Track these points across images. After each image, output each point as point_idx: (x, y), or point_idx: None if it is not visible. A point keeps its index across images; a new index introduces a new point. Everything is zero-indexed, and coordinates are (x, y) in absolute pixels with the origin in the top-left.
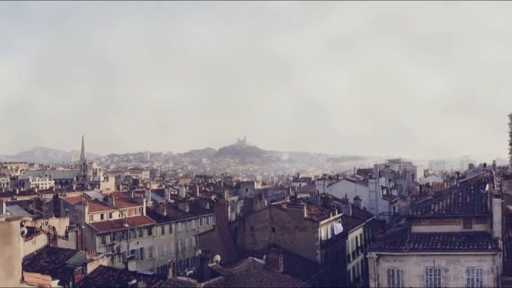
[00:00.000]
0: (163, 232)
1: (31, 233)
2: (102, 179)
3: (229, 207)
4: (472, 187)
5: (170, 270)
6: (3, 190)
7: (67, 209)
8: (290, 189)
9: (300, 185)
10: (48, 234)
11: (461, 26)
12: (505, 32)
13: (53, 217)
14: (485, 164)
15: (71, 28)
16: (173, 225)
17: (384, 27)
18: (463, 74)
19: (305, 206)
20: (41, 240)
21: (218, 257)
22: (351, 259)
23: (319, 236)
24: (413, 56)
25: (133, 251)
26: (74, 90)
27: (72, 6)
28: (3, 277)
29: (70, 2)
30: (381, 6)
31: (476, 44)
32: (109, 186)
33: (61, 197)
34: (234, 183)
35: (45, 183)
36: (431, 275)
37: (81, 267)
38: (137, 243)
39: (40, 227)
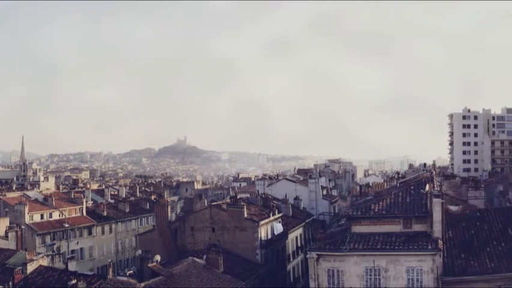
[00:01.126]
0: (103, 232)
1: None
2: (42, 179)
3: (169, 207)
4: (412, 187)
5: (111, 270)
6: None
7: (7, 209)
8: (230, 189)
9: (240, 185)
10: None
11: (398, 26)
12: (442, 32)
13: None
14: (425, 164)
15: (9, 28)
16: (113, 225)
17: (322, 27)
18: (403, 73)
19: (245, 206)
20: None
21: (158, 257)
22: (292, 259)
23: (259, 236)
24: (352, 55)
25: (73, 251)
26: (13, 90)
27: (10, 6)
28: None
29: (8, 2)
30: (319, 6)
31: (414, 43)
32: (49, 186)
33: (1, 197)
34: (174, 183)
35: None
36: (371, 275)
37: (21, 268)
38: (78, 243)
39: None
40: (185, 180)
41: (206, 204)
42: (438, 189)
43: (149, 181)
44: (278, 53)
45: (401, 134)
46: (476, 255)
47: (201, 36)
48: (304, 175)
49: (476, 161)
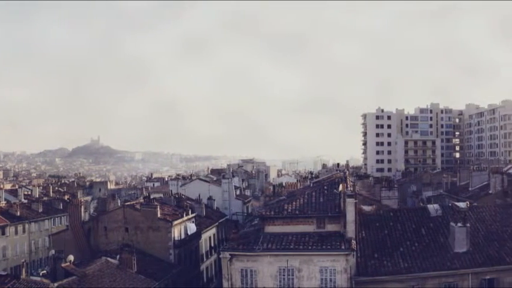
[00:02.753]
0: (16, 232)
1: None
2: None
3: (82, 207)
4: (325, 187)
5: (24, 270)
6: None
7: None
8: (143, 189)
9: (153, 185)
10: None
11: (314, 26)
12: (357, 32)
13: None
14: (338, 164)
15: None
16: (26, 225)
17: (239, 27)
18: (318, 73)
19: (158, 206)
20: None
21: (71, 257)
22: (205, 259)
23: (172, 236)
24: (268, 55)
25: None
26: None
27: None
28: None
29: None
30: (235, 6)
31: (330, 43)
32: None
33: None
34: (88, 183)
35: None
36: (284, 275)
37: None
38: None
39: None
40: (98, 180)
41: (119, 204)
42: (351, 189)
43: (63, 181)
44: (194, 53)
45: (315, 134)
46: (390, 255)
47: (116, 36)
48: (218, 175)
49: (389, 161)
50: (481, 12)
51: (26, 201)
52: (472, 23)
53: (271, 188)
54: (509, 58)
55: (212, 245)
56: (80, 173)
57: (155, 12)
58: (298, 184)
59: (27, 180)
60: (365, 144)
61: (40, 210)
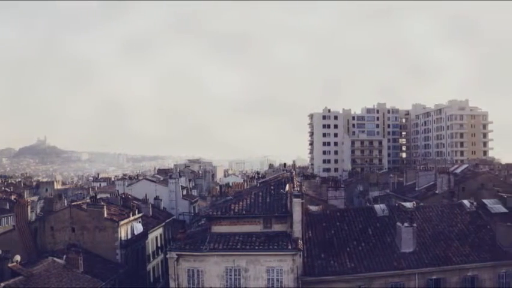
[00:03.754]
0: None
1: None
2: None
3: (29, 207)
4: (272, 187)
5: None
6: None
7: None
8: (90, 189)
9: (100, 185)
10: None
11: (259, 26)
12: (302, 32)
13: None
14: (285, 164)
15: None
16: None
17: (183, 27)
18: (265, 73)
19: (105, 206)
20: None
21: (18, 257)
22: (152, 259)
23: (119, 236)
24: (214, 55)
25: None
26: None
27: None
28: None
29: None
30: (179, 6)
31: (276, 43)
32: None
33: None
34: (34, 183)
35: None
36: (231, 275)
37: None
38: None
39: None
40: (45, 180)
41: (66, 204)
42: (298, 189)
43: (9, 181)
44: (139, 53)
45: (261, 134)
46: (336, 255)
47: (60, 36)
48: (165, 175)
49: (336, 161)
50: (427, 12)
51: None
52: (418, 23)
53: (218, 188)
54: (455, 58)
55: (159, 245)
56: (26, 173)
57: (100, 12)
58: (245, 184)
59: None
60: (311, 144)
61: None
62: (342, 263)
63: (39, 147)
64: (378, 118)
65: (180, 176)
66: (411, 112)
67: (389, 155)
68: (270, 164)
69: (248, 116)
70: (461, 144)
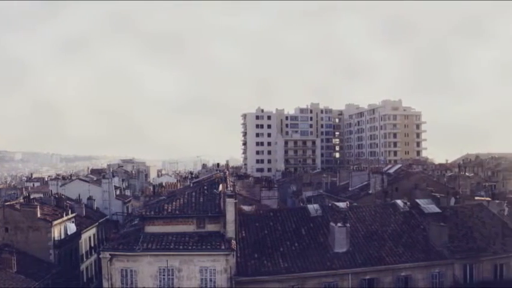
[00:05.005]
0: None
1: None
2: None
3: None
4: (205, 187)
5: None
6: None
7: None
8: (23, 189)
9: (33, 185)
10: None
11: (194, 26)
12: (237, 32)
13: None
14: (218, 164)
15: None
16: None
17: (118, 26)
18: (199, 73)
19: (38, 206)
20: None
21: None
22: (85, 259)
23: (52, 236)
24: (148, 55)
25: None
26: None
27: None
28: None
29: None
30: (114, 6)
31: (210, 43)
32: None
33: None
34: None
35: None
36: (164, 275)
37: None
38: None
39: None
40: None
41: None
42: (231, 189)
43: None
44: (73, 52)
45: (195, 134)
46: (270, 255)
47: None
48: (98, 175)
49: (269, 161)
50: (362, 12)
51: None
52: (352, 23)
53: (151, 188)
54: (389, 58)
55: (92, 245)
56: None
57: (31, 13)
58: (179, 184)
59: None
60: (245, 144)
61: None
62: (276, 263)
63: None
64: (311, 118)
65: (113, 176)
66: (344, 112)
67: (322, 155)
68: (204, 164)
69: (182, 116)
70: (395, 144)
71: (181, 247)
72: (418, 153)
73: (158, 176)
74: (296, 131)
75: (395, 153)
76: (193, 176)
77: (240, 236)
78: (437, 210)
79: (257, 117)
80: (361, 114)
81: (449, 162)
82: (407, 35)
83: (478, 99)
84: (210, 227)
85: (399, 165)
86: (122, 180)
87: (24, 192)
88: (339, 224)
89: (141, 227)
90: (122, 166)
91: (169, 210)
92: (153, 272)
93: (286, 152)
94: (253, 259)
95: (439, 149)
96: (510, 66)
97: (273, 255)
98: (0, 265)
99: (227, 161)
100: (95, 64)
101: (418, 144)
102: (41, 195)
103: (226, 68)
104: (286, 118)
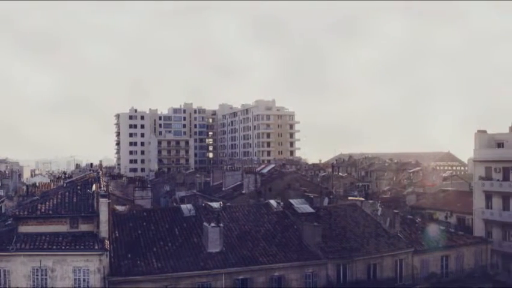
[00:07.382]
0: None
1: None
2: None
3: None
4: (79, 187)
5: None
6: None
7: None
8: None
9: None
10: None
11: (67, 26)
12: (110, 32)
13: None
14: (91, 164)
15: None
16: None
17: None
18: (73, 73)
19: None
20: None
21: None
22: None
23: None
24: (19, 54)
25: None
26: None
27: None
28: None
29: None
30: None
31: (84, 43)
32: None
33: None
34: None
35: None
36: (37, 275)
37: None
38: None
39: None
40: None
41: None
42: (104, 189)
43: None
44: None
45: (69, 134)
46: (143, 255)
47: None
48: None
49: (143, 161)
50: (232, 12)
51: None
52: (223, 24)
53: (24, 188)
54: (262, 58)
55: None
56: None
57: None
58: (52, 184)
59: None
60: (118, 144)
61: None
62: (149, 263)
63: None
64: (185, 118)
65: None
66: (218, 112)
67: (196, 155)
68: (77, 164)
69: (57, 116)
70: (268, 144)
71: (54, 247)
72: (292, 153)
73: (31, 176)
74: (170, 131)
75: (269, 153)
76: (67, 176)
77: (114, 236)
78: (311, 210)
79: (130, 117)
80: (234, 114)
81: (322, 162)
82: (281, 35)
83: (352, 99)
84: (84, 227)
85: (272, 165)
86: None
87: None
88: (212, 224)
89: (15, 227)
90: None
91: (43, 210)
92: (26, 272)
93: (159, 152)
94: (126, 259)
95: (313, 149)
96: (384, 66)
97: (147, 255)
98: None
99: (100, 161)
100: None
101: (292, 144)
102: None
103: (101, 67)
104: (160, 118)
